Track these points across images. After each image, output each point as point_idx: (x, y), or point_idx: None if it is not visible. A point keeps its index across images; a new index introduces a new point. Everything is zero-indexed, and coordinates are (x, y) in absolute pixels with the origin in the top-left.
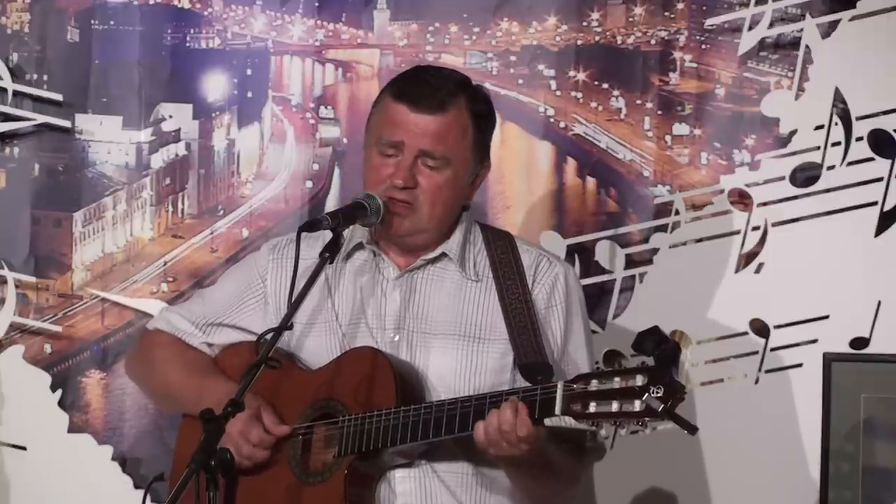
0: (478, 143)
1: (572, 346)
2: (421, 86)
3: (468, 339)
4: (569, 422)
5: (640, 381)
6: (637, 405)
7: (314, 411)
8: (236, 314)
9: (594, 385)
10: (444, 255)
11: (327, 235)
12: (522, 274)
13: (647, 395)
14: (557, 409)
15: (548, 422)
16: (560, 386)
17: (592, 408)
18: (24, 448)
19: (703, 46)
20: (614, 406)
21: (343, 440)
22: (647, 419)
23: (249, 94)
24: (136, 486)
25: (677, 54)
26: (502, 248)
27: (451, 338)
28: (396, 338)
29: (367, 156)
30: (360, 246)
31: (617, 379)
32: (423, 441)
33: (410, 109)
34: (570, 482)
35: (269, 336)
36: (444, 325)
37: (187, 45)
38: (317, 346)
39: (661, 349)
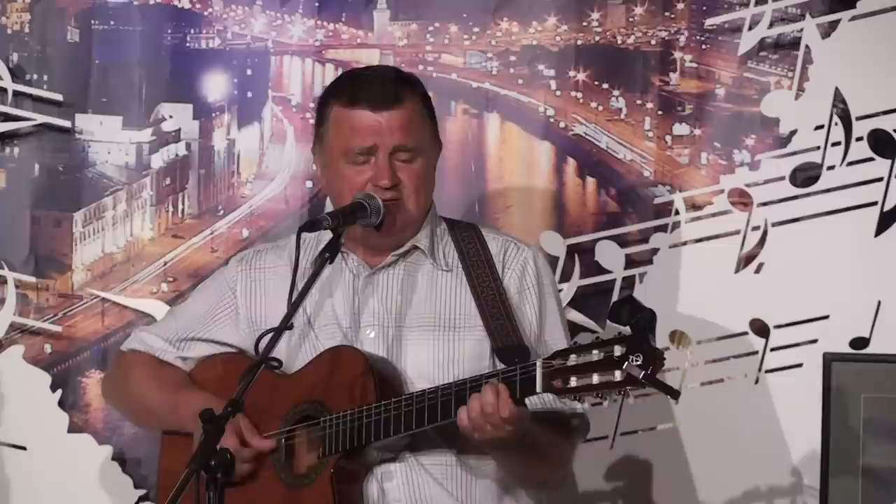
0: (433, 126)
1: (548, 326)
2: (369, 86)
3: (443, 329)
4: (550, 398)
5: (618, 351)
6: (618, 375)
7: (294, 415)
8: (209, 328)
9: (573, 360)
10: (414, 248)
11: (291, 242)
12: (491, 261)
13: (626, 363)
14: (538, 387)
15: (529, 401)
16: (539, 363)
17: (573, 382)
18: (24, 448)
19: (703, 46)
20: (595, 378)
21: (326, 440)
22: (628, 388)
23: (249, 94)
24: (136, 486)
25: (677, 54)
26: (469, 239)
27: (426, 330)
28: (372, 335)
29: (332, 171)
30: None
31: (595, 351)
32: (406, 433)
33: (371, 111)
34: (559, 463)
35: (267, 337)
36: (418, 318)
37: (187, 45)
38: (291, 350)
39: (636, 318)
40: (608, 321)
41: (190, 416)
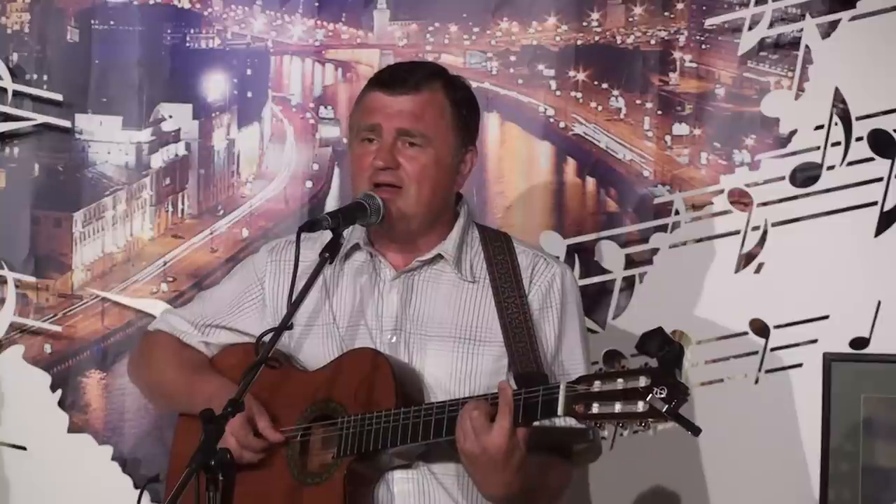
0: (458, 125)
1: (565, 349)
2: (394, 73)
3: (463, 340)
4: (568, 421)
5: (643, 382)
6: (640, 406)
7: (313, 412)
8: (234, 317)
9: (597, 386)
10: (439, 256)
11: (326, 236)
12: (519, 275)
13: (650, 395)
14: (560, 410)
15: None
16: (563, 387)
17: (595, 409)
18: (24, 448)
19: (703, 46)
20: (617, 407)
21: (342, 441)
22: (650, 420)
23: (249, 94)
24: (136, 486)
25: (677, 54)
26: (499, 250)
27: (446, 340)
28: (394, 339)
29: (350, 152)
30: (357, 247)
31: (620, 380)
32: (422, 442)
33: (385, 93)
34: (559, 490)
35: (268, 336)
36: (439, 327)
37: (187, 45)
38: (315, 347)
39: (664, 350)
40: (634, 350)
41: (206, 398)
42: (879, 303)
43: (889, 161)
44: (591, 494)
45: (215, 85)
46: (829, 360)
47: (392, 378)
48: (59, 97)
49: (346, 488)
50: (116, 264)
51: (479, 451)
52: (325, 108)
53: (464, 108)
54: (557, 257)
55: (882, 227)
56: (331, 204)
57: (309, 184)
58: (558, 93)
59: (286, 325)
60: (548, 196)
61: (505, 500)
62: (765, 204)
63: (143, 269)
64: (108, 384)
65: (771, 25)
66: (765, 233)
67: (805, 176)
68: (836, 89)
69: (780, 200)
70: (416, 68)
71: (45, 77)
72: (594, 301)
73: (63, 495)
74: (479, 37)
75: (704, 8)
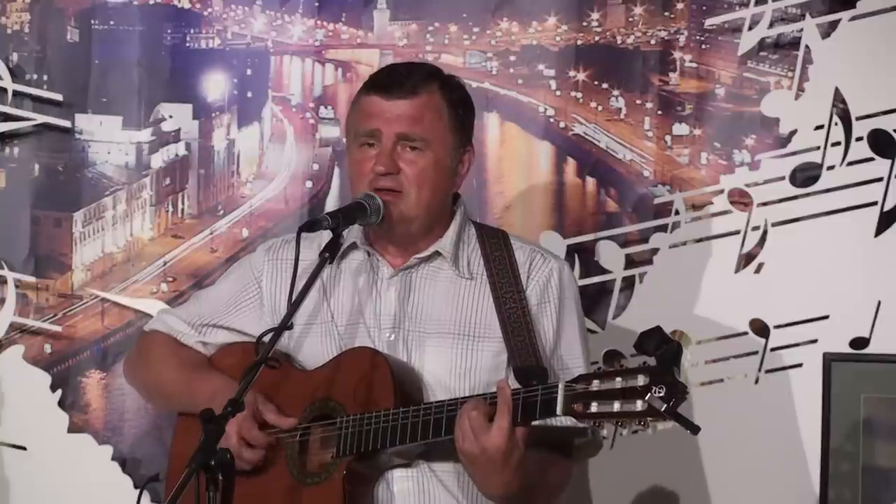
0: (456, 126)
1: (564, 344)
2: (391, 76)
3: (462, 337)
4: (564, 420)
5: (641, 381)
6: (639, 405)
7: (312, 412)
8: (231, 316)
9: (596, 385)
10: (437, 253)
11: (322, 235)
12: (516, 271)
13: (649, 394)
14: (558, 410)
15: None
16: (561, 386)
17: (594, 408)
18: (24, 448)
19: (703, 46)
20: (616, 406)
21: (341, 441)
22: (649, 419)
23: (249, 94)
24: (136, 486)
25: (677, 54)
26: (496, 246)
27: (445, 337)
28: (392, 337)
29: (348, 155)
30: (354, 246)
31: (619, 379)
32: (421, 442)
33: (383, 98)
34: (559, 487)
35: (268, 336)
36: (438, 324)
37: (187, 45)
38: (314, 347)
39: (663, 349)
40: (633, 350)
41: (206, 397)
42: (879, 303)
43: (889, 161)
44: (591, 494)
45: (215, 85)
46: (829, 360)
47: (391, 377)
48: (59, 97)
49: (345, 488)
50: (116, 264)
51: (478, 451)
52: (325, 108)
53: (460, 109)
54: (557, 256)
55: (882, 227)
56: (331, 204)
57: (309, 184)
58: (558, 93)
59: (285, 325)
60: (548, 196)
61: (505, 499)
62: (765, 204)
63: (143, 269)
64: (108, 384)
65: (771, 25)
66: (765, 233)
67: (805, 176)
68: (836, 89)
69: (780, 200)
70: (412, 71)
71: (45, 77)
72: (594, 301)
73: (63, 495)
74: (479, 37)
75: (704, 8)
